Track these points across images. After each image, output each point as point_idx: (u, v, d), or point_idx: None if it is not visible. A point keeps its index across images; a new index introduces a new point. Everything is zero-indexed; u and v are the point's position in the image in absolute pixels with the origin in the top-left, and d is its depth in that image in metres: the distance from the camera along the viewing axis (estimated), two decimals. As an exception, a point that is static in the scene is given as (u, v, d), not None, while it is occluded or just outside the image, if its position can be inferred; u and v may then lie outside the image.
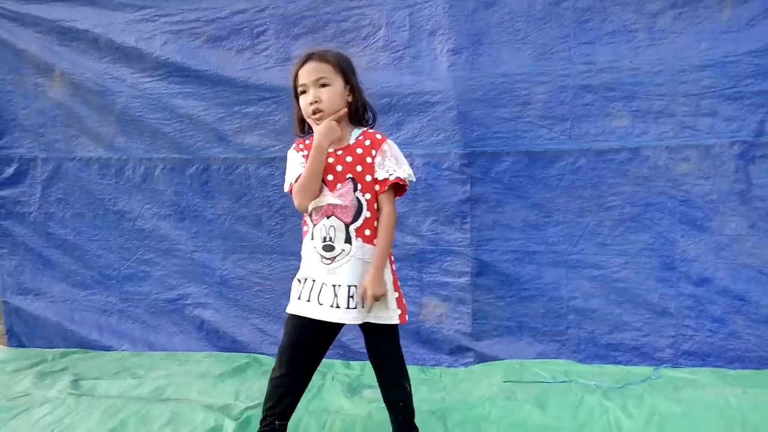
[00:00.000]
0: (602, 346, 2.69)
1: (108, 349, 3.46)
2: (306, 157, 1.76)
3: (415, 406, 1.89)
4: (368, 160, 1.75)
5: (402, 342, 2.85)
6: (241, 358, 3.08)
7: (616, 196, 2.68)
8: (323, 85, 1.74)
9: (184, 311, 3.37)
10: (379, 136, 1.79)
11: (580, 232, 2.70)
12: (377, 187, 1.74)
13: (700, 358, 2.59)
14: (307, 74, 1.75)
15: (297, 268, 1.83)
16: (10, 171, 3.55)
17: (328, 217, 1.72)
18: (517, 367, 2.66)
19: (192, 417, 2.20)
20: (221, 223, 3.24)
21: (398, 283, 1.84)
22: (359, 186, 1.72)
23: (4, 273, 3.67)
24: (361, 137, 1.78)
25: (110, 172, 3.44)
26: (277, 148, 3.07)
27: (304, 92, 1.77)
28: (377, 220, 1.74)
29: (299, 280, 1.78)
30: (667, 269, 2.64)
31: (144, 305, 3.44)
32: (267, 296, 3.20)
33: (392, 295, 1.76)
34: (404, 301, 1.82)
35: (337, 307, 1.69)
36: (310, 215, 1.77)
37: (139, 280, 3.43)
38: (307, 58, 1.76)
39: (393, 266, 1.81)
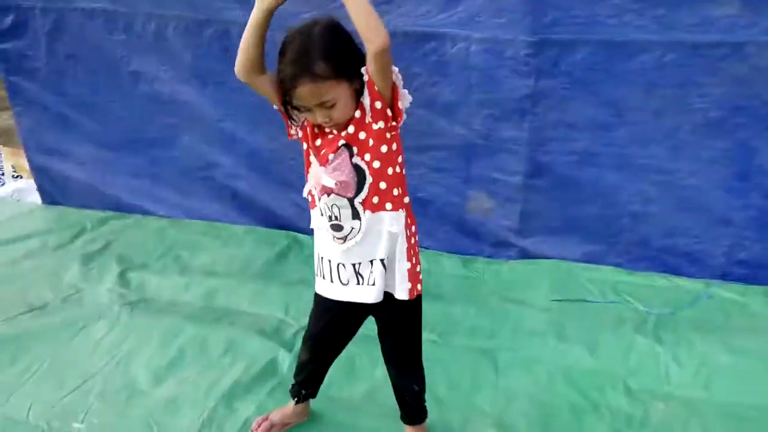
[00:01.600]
0: (654, 249, 2.61)
1: (145, 212, 3.44)
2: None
3: (460, 323, 1.78)
4: (357, 114, 1.38)
5: (444, 230, 2.85)
6: (281, 239, 3.07)
7: (703, 98, 2.35)
8: (329, 107, 1.35)
9: (216, 180, 3.26)
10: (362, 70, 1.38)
11: (653, 135, 2.43)
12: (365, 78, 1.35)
13: (754, 268, 2.53)
14: (302, 100, 1.34)
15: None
16: (8, 21, 3.17)
17: (328, 195, 1.46)
18: (564, 275, 2.63)
19: (248, 347, 2.25)
20: (248, 93, 2.94)
21: (413, 252, 1.51)
22: (355, 150, 1.41)
23: (24, 131, 3.49)
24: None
25: (118, 28, 3.05)
26: (307, 15, 2.63)
27: (307, 110, 1.38)
28: (388, 172, 1.43)
29: (319, 257, 1.58)
30: (739, 179, 2.44)
31: (175, 171, 3.33)
32: (303, 171, 3.05)
33: (404, 264, 1.49)
34: (418, 277, 1.54)
35: (360, 284, 1.52)
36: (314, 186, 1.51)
37: (167, 145, 3.26)
38: (296, 79, 1.31)
39: (408, 231, 1.50)
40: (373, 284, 1.50)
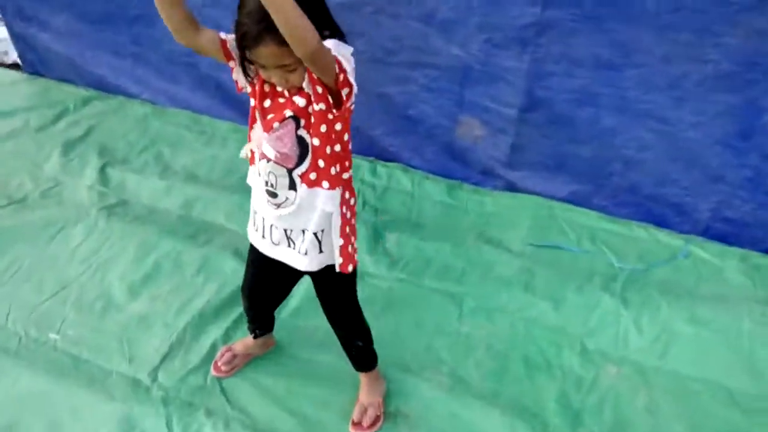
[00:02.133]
0: (641, 196, 2.55)
1: (128, 95, 3.33)
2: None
3: (432, 261, 1.91)
4: (307, 87, 1.29)
5: (431, 150, 2.77)
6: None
7: (717, 48, 2.15)
8: (289, 69, 1.24)
9: (200, 68, 3.10)
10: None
11: (659, 81, 2.26)
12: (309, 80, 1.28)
13: (737, 228, 2.49)
14: (263, 59, 1.22)
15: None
16: None
17: (267, 161, 1.40)
18: (545, 214, 2.60)
19: (222, 267, 2.29)
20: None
21: (348, 229, 1.49)
22: (302, 122, 1.33)
23: (-1, -6, 3.27)
24: None
25: None
26: None
27: (263, 67, 1.26)
28: (330, 149, 1.36)
29: (253, 210, 1.54)
30: (741, 138, 2.31)
31: (158, 53, 3.15)
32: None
33: (336, 240, 1.47)
34: (352, 253, 1.52)
35: (291, 248, 1.51)
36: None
37: (149, 23, 3.05)
38: (260, 38, 1.18)
39: (343, 208, 1.46)
40: (305, 254, 1.49)
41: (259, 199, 1.50)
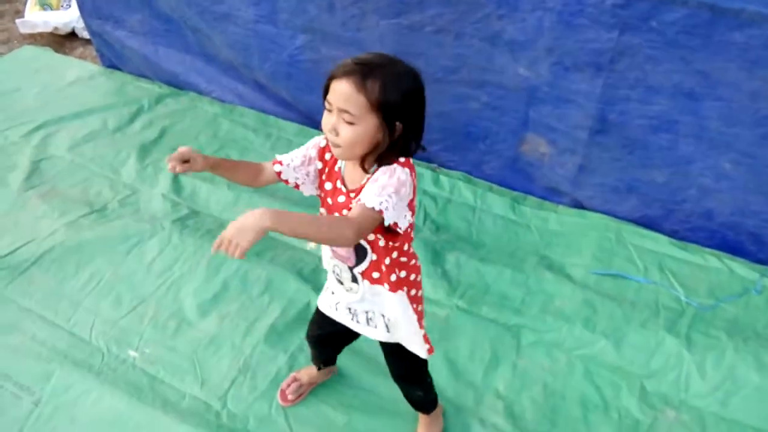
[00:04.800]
0: (716, 223, 2.43)
1: (199, 91, 3.41)
2: (318, 157, 1.38)
3: (491, 288, 1.95)
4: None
5: (492, 165, 2.72)
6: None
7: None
8: (348, 122, 1.19)
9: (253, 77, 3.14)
10: (385, 166, 1.25)
11: (743, 116, 2.12)
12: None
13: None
14: (334, 94, 1.18)
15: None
16: None
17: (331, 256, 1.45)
18: (612, 237, 2.53)
19: (286, 288, 2.37)
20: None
21: (418, 311, 1.53)
22: None
23: (78, -7, 3.37)
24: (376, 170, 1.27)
25: None
26: None
27: (329, 104, 1.23)
28: (389, 258, 1.38)
29: (327, 283, 1.61)
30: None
31: (219, 56, 3.20)
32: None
33: (418, 332, 1.52)
34: (425, 337, 1.57)
35: (358, 322, 1.57)
36: None
37: (209, 31, 3.09)
38: (346, 74, 1.16)
39: (413, 306, 1.49)
40: (375, 327, 1.54)
41: (330, 277, 1.55)
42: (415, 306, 1.50)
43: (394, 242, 1.36)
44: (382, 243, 1.35)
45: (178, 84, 3.45)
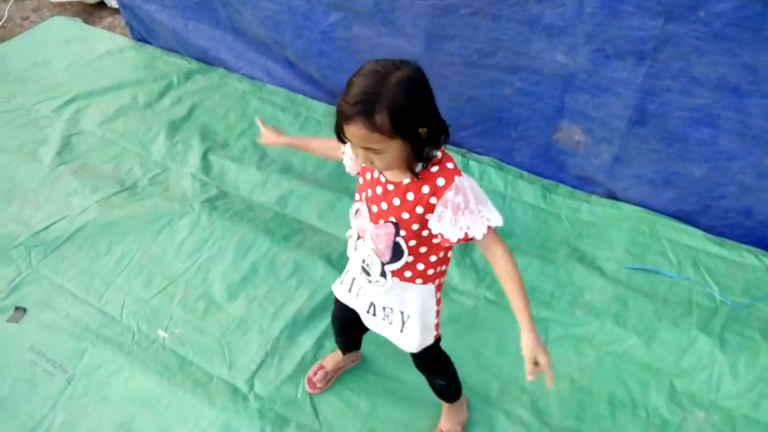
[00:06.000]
0: (755, 221, 2.36)
1: (228, 68, 3.39)
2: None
3: (527, 273, 1.94)
4: (419, 210, 1.31)
5: (523, 153, 2.67)
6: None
7: None
8: (375, 153, 1.22)
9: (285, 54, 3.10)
10: (441, 182, 1.28)
11: (792, 113, 2.05)
12: (437, 240, 1.35)
13: None
14: (351, 137, 1.21)
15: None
16: None
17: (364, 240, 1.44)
18: (646, 230, 2.47)
19: (313, 272, 2.37)
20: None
21: (436, 309, 1.57)
22: (402, 233, 1.35)
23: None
24: (420, 178, 1.29)
25: None
26: None
27: (352, 142, 1.26)
28: (425, 262, 1.41)
29: (347, 270, 1.62)
30: None
31: (250, 31, 3.16)
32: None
33: (429, 317, 1.54)
34: (437, 324, 1.59)
35: (374, 315, 1.59)
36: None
37: (240, 6, 3.04)
38: (351, 119, 1.17)
39: (437, 295, 1.52)
40: (391, 324, 1.55)
41: (354, 265, 1.54)
42: (438, 296, 1.52)
43: (434, 251, 1.36)
44: (423, 250, 1.36)
45: (207, 59, 3.43)
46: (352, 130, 1.20)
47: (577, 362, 2.10)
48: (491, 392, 2.04)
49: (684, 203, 2.45)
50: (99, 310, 2.28)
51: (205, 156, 2.88)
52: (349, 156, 1.44)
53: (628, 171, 2.48)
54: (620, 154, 2.44)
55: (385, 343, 2.06)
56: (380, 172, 1.35)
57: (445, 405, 1.92)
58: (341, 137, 1.29)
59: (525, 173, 2.75)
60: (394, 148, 1.22)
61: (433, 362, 1.75)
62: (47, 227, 2.57)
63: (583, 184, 2.65)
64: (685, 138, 2.27)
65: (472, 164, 2.79)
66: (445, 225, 1.27)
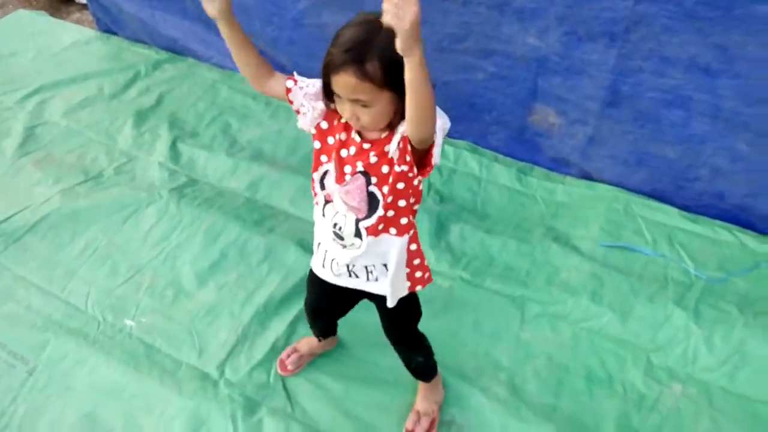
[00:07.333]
0: (729, 203, 2.37)
1: (197, 57, 3.32)
2: (329, 129, 1.34)
3: (496, 259, 1.90)
4: (386, 148, 1.26)
5: (498, 136, 2.65)
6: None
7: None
8: (363, 106, 1.20)
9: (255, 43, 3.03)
10: None
11: (763, 96, 2.05)
12: (400, 144, 1.25)
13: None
14: (340, 88, 1.18)
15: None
16: None
17: (335, 208, 1.39)
18: (621, 208, 2.47)
19: (285, 257, 2.32)
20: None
21: (417, 254, 1.48)
22: (373, 179, 1.30)
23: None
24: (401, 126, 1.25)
25: None
26: None
27: (339, 96, 1.23)
28: (395, 209, 1.35)
29: (317, 242, 1.53)
30: None
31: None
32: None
33: (402, 271, 1.47)
34: (420, 277, 1.52)
35: (357, 278, 1.50)
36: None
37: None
38: (342, 67, 1.14)
39: (410, 246, 1.45)
40: (376, 280, 1.49)
41: (322, 231, 1.48)
42: (417, 246, 1.47)
43: (414, 180, 1.32)
44: (401, 186, 1.31)
45: (176, 49, 3.36)
46: (342, 79, 1.16)
47: (554, 339, 2.08)
48: (468, 371, 2.01)
49: (658, 183, 2.45)
50: (63, 301, 2.20)
51: (173, 145, 2.81)
52: (306, 110, 1.33)
53: (603, 151, 2.47)
54: (595, 135, 2.43)
55: (360, 326, 2.05)
56: (356, 131, 1.30)
57: (421, 385, 1.88)
58: (328, 94, 1.25)
59: (500, 156, 2.73)
60: (383, 101, 1.19)
61: (412, 336, 1.72)
62: (8, 218, 2.48)
63: (558, 165, 2.64)
64: (658, 119, 2.27)
65: (447, 148, 2.76)
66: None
